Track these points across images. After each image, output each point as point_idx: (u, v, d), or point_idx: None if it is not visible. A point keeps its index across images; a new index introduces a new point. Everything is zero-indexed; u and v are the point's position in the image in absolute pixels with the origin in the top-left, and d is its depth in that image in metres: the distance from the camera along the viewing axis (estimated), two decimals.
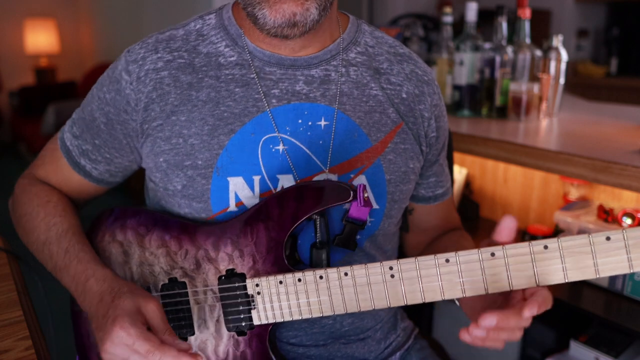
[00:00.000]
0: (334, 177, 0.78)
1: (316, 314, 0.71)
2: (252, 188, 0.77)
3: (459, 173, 1.67)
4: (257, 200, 0.77)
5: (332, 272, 0.70)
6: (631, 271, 0.61)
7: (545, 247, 0.63)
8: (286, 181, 0.77)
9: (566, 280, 0.63)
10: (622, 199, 1.38)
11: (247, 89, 0.77)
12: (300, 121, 0.78)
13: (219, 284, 0.74)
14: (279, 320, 0.73)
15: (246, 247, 0.74)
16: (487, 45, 1.64)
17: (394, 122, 0.82)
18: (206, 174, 0.76)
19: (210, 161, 0.76)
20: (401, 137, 0.82)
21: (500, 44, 1.62)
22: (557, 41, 1.59)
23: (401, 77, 0.84)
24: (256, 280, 0.73)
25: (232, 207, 0.77)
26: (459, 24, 1.79)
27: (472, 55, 1.63)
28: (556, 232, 1.36)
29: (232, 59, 0.78)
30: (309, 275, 0.70)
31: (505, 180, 1.66)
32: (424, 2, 3.84)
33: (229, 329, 0.75)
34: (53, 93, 5.08)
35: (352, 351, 0.86)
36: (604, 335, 1.28)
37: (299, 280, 0.71)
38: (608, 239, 0.61)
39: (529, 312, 0.61)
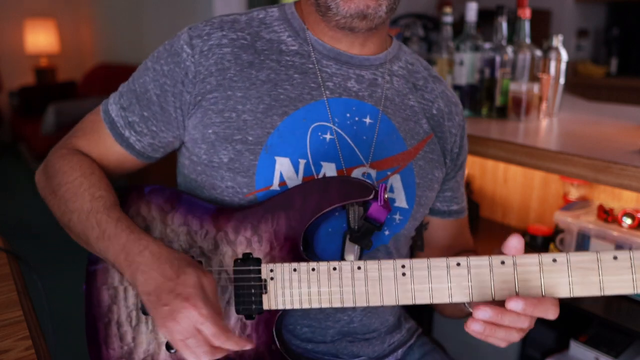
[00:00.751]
0: (373, 172, 0.83)
1: (325, 304, 0.72)
2: (296, 170, 0.80)
3: None
4: (299, 182, 0.78)
5: (346, 265, 0.71)
6: (635, 292, 0.62)
7: (554, 260, 0.64)
8: (329, 169, 0.81)
9: (571, 295, 0.64)
10: (622, 199, 1.38)
11: (305, 77, 0.81)
12: (348, 115, 0.82)
13: (234, 266, 0.75)
14: (288, 307, 0.73)
15: (265, 233, 0.76)
16: (487, 45, 1.63)
17: (425, 132, 0.88)
18: (255, 150, 0.79)
19: (261, 138, 0.79)
20: (430, 147, 0.89)
21: (500, 44, 1.62)
22: (557, 41, 1.59)
23: (434, 95, 0.91)
24: (271, 265, 0.74)
25: (275, 186, 0.79)
26: (459, 24, 1.79)
27: (472, 55, 1.63)
28: (556, 232, 1.36)
29: (293, 48, 0.83)
30: (323, 265, 0.72)
31: (505, 180, 1.66)
32: (424, 2, 3.84)
33: (238, 311, 0.75)
34: (53, 93, 5.07)
35: (357, 350, 0.89)
36: (604, 335, 1.28)
37: (313, 269, 0.72)
38: (615, 258, 0.62)
39: (513, 304, 0.62)
